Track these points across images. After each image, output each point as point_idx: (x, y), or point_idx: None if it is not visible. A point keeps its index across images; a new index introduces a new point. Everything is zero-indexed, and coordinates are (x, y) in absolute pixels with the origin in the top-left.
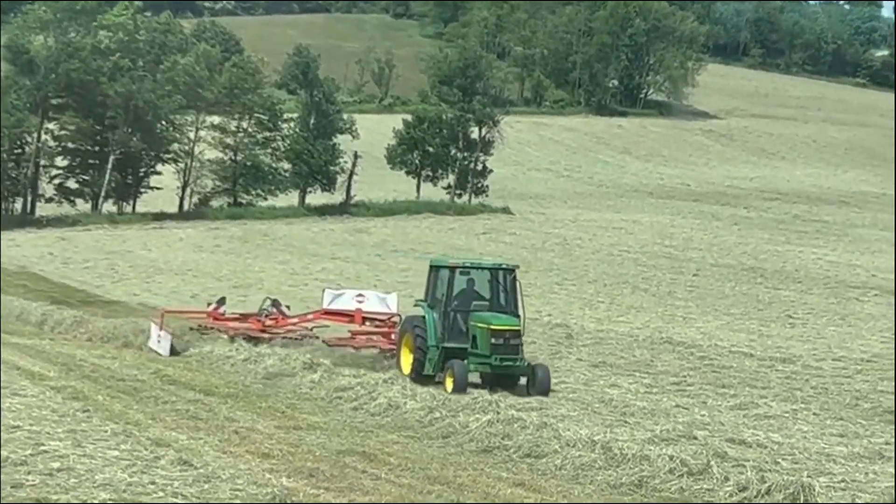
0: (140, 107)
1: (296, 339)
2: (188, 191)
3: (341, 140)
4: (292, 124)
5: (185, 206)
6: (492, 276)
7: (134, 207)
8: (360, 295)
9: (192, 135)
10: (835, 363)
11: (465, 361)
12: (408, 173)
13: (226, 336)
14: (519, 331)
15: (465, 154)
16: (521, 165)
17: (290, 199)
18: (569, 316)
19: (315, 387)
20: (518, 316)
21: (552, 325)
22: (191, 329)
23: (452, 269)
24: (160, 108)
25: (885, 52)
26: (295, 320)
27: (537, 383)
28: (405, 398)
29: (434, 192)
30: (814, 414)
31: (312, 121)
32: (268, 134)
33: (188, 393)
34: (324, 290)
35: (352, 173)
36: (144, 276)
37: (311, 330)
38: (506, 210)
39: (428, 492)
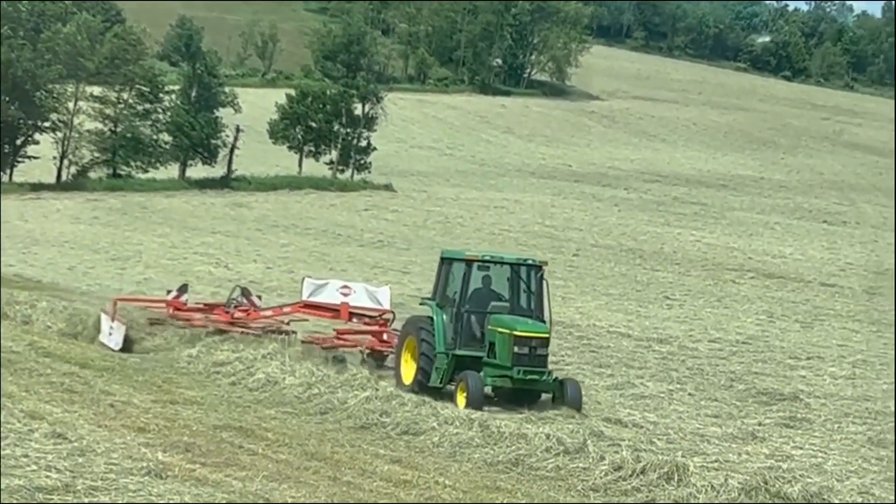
0: (19, 76)
1: (269, 334)
2: (66, 161)
3: (223, 113)
4: (174, 97)
5: (63, 177)
6: (513, 273)
7: (11, 177)
8: (345, 287)
9: (71, 105)
10: (711, 344)
11: (481, 373)
12: (290, 148)
13: (188, 330)
14: (548, 339)
15: (348, 130)
16: (404, 143)
17: (171, 171)
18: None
19: (193, 361)
20: (544, 321)
21: None
22: (150, 322)
23: (469, 262)
24: (39, 78)
25: (767, 39)
26: (269, 313)
27: (567, 401)
28: (284, 374)
29: (316, 167)
30: (689, 394)
31: (194, 93)
32: (149, 106)
33: (64, 366)
34: (303, 280)
35: (233, 147)
36: (21, 246)
37: (288, 324)
38: (388, 187)
39: (305, 468)
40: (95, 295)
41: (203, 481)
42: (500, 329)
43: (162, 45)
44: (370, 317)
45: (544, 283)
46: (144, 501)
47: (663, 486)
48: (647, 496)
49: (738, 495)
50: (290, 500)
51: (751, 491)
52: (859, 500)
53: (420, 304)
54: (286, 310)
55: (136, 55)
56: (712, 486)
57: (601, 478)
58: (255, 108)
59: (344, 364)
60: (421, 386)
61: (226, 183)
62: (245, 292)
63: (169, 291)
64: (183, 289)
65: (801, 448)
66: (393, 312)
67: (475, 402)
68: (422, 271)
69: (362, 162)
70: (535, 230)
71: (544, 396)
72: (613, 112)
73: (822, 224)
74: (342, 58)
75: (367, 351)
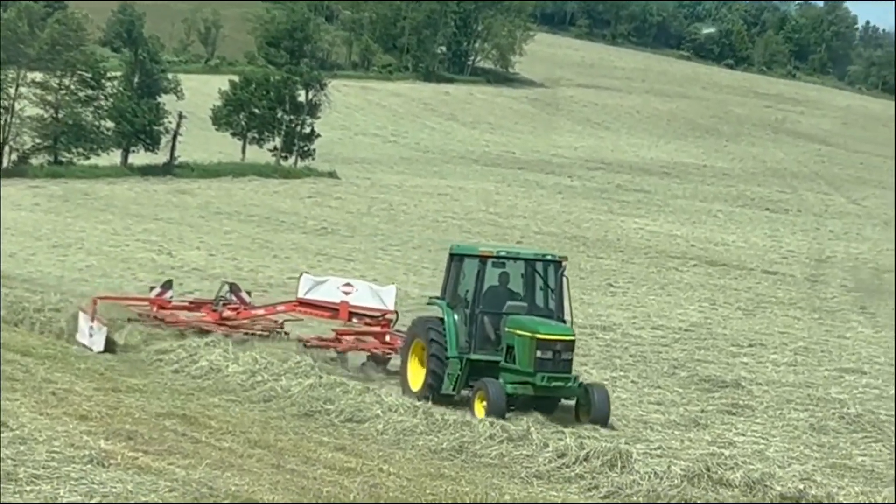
0: None
1: (260, 334)
2: (7, 148)
3: (166, 100)
4: (116, 83)
5: (4, 164)
6: (529, 269)
7: None
8: (347, 285)
9: (12, 91)
10: (653, 332)
11: (501, 380)
12: (233, 135)
13: (173, 329)
14: (573, 342)
15: (292, 117)
16: (348, 130)
17: (113, 158)
18: (394, 281)
19: (135, 349)
20: (564, 321)
21: None
22: (129, 321)
23: (483, 259)
24: None
25: (712, 30)
26: (261, 311)
27: (593, 409)
28: (227, 361)
29: (260, 154)
30: (632, 382)
31: (136, 80)
32: (90, 92)
33: (5, 354)
34: (300, 276)
35: (176, 133)
36: None
37: (282, 325)
38: (332, 174)
39: (248, 455)
40: (37, 282)
41: (146, 469)
42: (519, 331)
43: (104, 31)
44: (371, 317)
45: (565, 280)
46: (87, 490)
47: (606, 472)
48: (590, 483)
49: (681, 482)
50: (233, 488)
51: (693, 477)
52: (801, 487)
53: (428, 303)
54: (280, 308)
55: (78, 41)
56: (655, 472)
57: (545, 465)
58: (197, 94)
59: (346, 364)
60: (432, 392)
61: (168, 170)
62: (234, 288)
63: (152, 288)
64: (167, 285)
65: (743, 435)
66: (396, 313)
67: (497, 412)
68: (366, 258)
69: (306, 149)
70: (479, 217)
71: (563, 402)
72: (557, 100)
73: (765, 212)
74: (286, 44)
75: (369, 353)
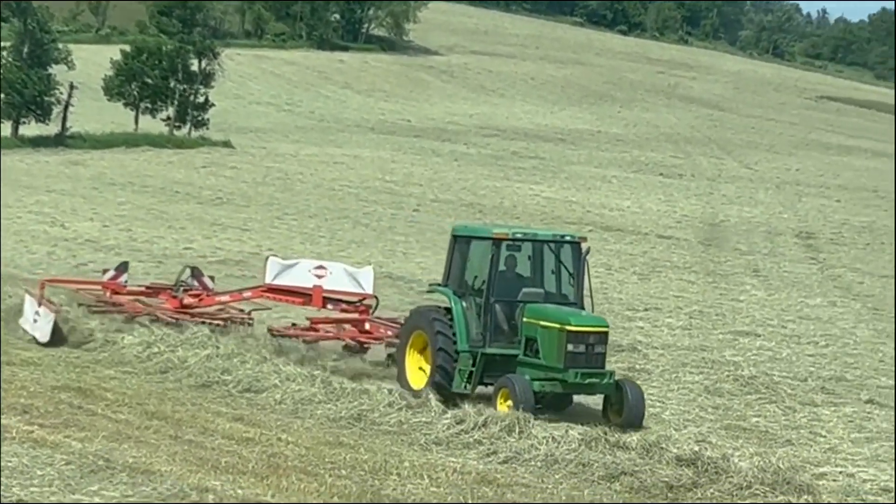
0: None
1: (223, 324)
2: None
3: (57, 70)
4: (5, 53)
5: None
6: (539, 251)
7: None
8: (320, 267)
9: None
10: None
11: (527, 377)
12: (126, 105)
13: (126, 317)
14: (607, 334)
15: (185, 86)
16: (242, 99)
17: (3, 129)
18: (290, 251)
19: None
20: (584, 308)
21: None
22: (80, 306)
23: (497, 241)
24: None
25: None
26: (226, 298)
27: (626, 408)
28: (122, 333)
29: (153, 124)
30: None
31: (26, 50)
32: None
33: None
34: (267, 259)
35: (67, 104)
36: None
37: (249, 313)
38: (227, 144)
39: (145, 427)
40: None
41: (41, 443)
42: (544, 322)
43: None
44: (348, 302)
45: (585, 263)
46: None
47: (505, 438)
48: (488, 448)
49: (579, 446)
50: (130, 460)
51: (591, 441)
52: (696, 448)
53: (429, 290)
54: (246, 294)
55: None
56: (553, 437)
57: (443, 431)
58: (89, 64)
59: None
60: (440, 391)
61: (60, 141)
62: (195, 272)
63: (105, 271)
64: (121, 268)
65: None
66: (376, 297)
67: (527, 410)
68: (262, 228)
69: (200, 118)
70: (376, 185)
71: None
72: (452, 67)
73: (659, 177)
74: (178, 13)
75: (345, 343)
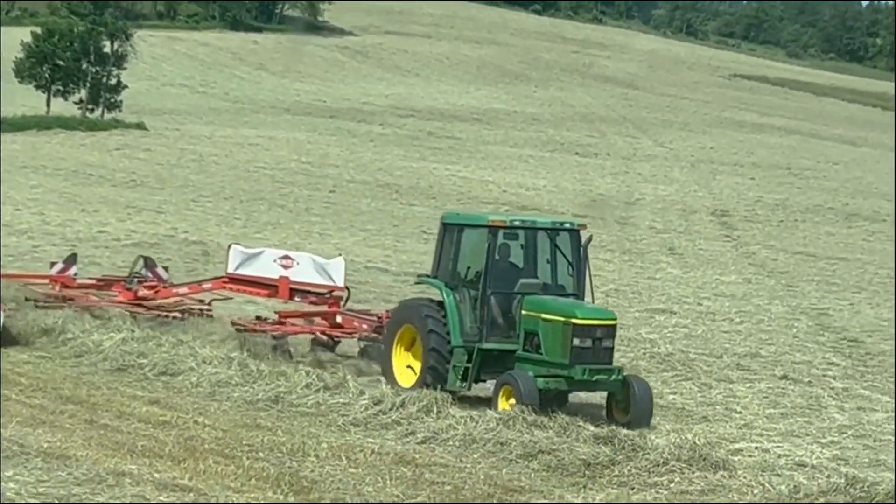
0: None
1: (180, 318)
2: None
3: None
4: None
5: None
6: (534, 238)
7: None
8: (285, 258)
9: None
10: None
11: (530, 373)
12: (37, 87)
13: (78, 310)
14: (615, 327)
15: (98, 68)
16: (156, 80)
17: None
18: (205, 233)
19: None
20: (583, 299)
21: (188, 241)
22: (27, 300)
23: (494, 229)
24: None
25: None
26: (184, 289)
27: (633, 406)
28: (35, 318)
29: (65, 107)
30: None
31: None
32: None
33: None
34: (229, 247)
35: None
36: None
37: (209, 304)
38: (140, 126)
39: (60, 412)
40: None
41: None
42: (546, 315)
43: None
44: (317, 294)
45: (586, 252)
46: None
47: (423, 418)
48: (406, 429)
49: (496, 425)
50: (45, 445)
51: (508, 420)
52: (613, 427)
53: (417, 282)
54: (206, 286)
55: None
56: (471, 417)
57: (361, 412)
58: None
59: (288, 355)
60: (434, 388)
61: None
62: (149, 263)
63: (53, 263)
64: (70, 259)
65: None
66: (347, 289)
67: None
68: (176, 210)
69: (112, 101)
70: (291, 167)
71: (574, 396)
72: (366, 47)
73: (574, 156)
74: None
75: (314, 336)
